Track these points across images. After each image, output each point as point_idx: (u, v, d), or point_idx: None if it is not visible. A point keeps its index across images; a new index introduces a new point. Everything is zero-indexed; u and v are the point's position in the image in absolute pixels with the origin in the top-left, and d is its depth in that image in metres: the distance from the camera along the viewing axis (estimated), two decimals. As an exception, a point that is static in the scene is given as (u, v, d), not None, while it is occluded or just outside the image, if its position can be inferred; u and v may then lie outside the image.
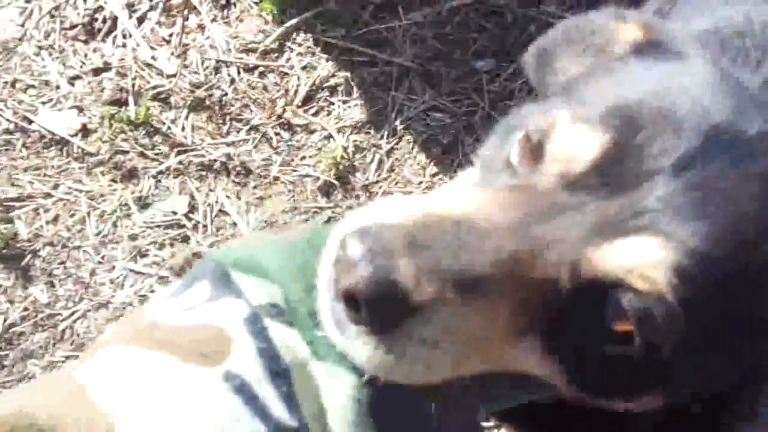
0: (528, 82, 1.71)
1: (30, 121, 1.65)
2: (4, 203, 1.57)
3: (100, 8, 1.78)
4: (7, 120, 1.65)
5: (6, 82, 1.70)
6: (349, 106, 1.70)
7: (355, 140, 1.67)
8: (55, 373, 0.58)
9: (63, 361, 1.47)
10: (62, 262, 1.54)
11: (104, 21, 1.77)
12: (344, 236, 0.52)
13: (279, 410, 0.51)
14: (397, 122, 1.69)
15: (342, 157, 1.63)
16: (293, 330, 0.54)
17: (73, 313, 1.49)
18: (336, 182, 1.63)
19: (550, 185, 0.56)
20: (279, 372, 0.52)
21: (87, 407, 0.47)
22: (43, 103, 1.68)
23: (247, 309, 0.55)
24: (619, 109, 0.58)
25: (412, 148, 1.68)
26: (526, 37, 1.72)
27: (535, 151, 0.59)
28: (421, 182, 1.66)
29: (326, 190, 1.63)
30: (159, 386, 0.50)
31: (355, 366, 0.52)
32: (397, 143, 1.68)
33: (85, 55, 1.73)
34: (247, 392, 0.51)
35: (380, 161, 1.66)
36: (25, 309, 1.49)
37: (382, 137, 1.67)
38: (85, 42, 1.75)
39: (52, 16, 1.78)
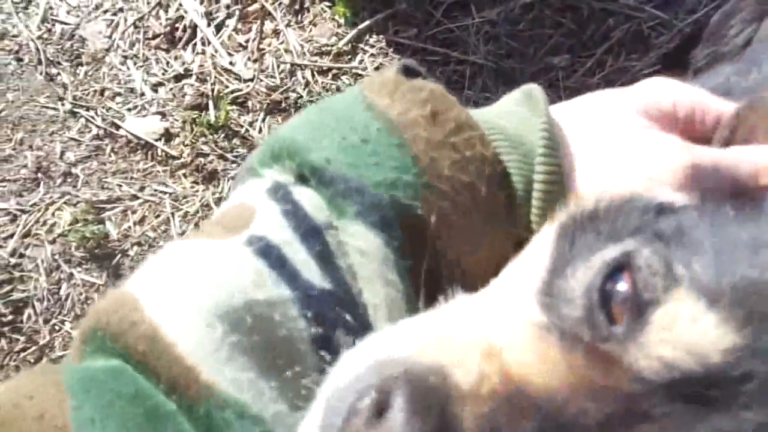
0: (606, 77, 1.63)
1: (118, 127, 1.70)
2: (96, 206, 1.62)
3: (181, 17, 1.82)
4: (98, 126, 1.71)
5: (95, 91, 1.76)
6: (422, 106, 1.67)
7: (429, 139, 1.64)
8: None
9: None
10: (149, 261, 1.57)
11: (184, 30, 1.80)
12: (365, 388, 0.36)
13: (311, 273, 0.44)
14: (471, 121, 1.64)
15: (415, 157, 1.60)
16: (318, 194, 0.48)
17: (159, 310, 1.52)
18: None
19: (651, 373, 0.37)
20: (309, 232, 0.46)
21: (118, 295, 0.45)
22: (129, 109, 1.73)
23: (270, 182, 0.49)
24: (757, 293, 0.38)
25: (486, 147, 1.63)
26: (604, 31, 1.64)
27: (637, 306, 0.39)
28: (495, 181, 1.61)
29: (400, 189, 1.61)
30: (181, 264, 0.46)
31: (383, 223, 0.45)
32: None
33: (167, 63, 1.77)
34: (273, 255, 0.44)
35: (454, 160, 1.62)
36: (116, 306, 1.53)
37: (455, 136, 1.63)
38: (167, 50, 1.79)
39: (136, 27, 1.84)
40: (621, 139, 0.51)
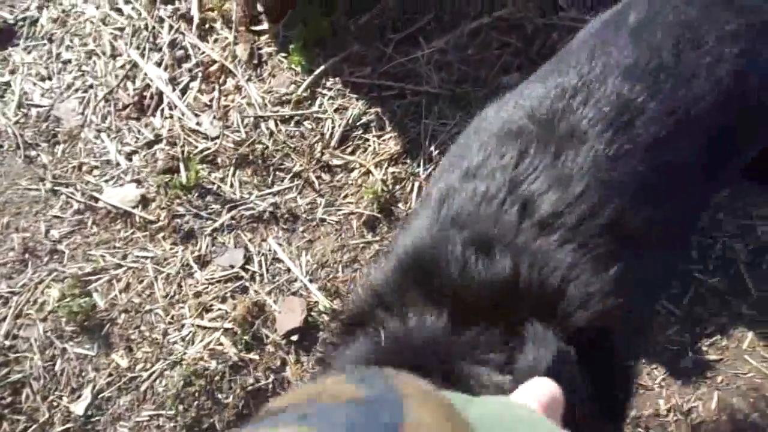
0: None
1: (96, 200, 1.73)
2: (82, 279, 1.65)
3: (147, 86, 1.86)
4: (78, 201, 1.74)
5: (74, 167, 1.80)
6: (384, 140, 1.69)
7: (393, 172, 1.65)
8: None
9: (148, 420, 1.51)
10: (137, 327, 1.59)
11: (152, 97, 1.85)
12: None
13: None
14: (432, 148, 1.66)
15: (382, 191, 1.61)
16: None
17: (151, 374, 1.53)
18: (380, 215, 1.61)
19: None
20: None
21: None
22: (107, 181, 1.76)
23: None
24: None
25: (451, 172, 1.64)
26: (549, 45, 1.66)
27: None
28: (463, 204, 1.61)
29: (371, 224, 1.62)
30: None
31: None
32: (434, 169, 1.65)
33: (139, 131, 1.81)
34: None
35: (420, 189, 1.63)
36: (110, 375, 1.55)
37: (418, 165, 1.65)
38: (137, 119, 1.84)
39: (107, 101, 1.89)
40: None
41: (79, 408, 1.51)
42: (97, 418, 1.51)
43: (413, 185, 1.63)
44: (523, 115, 0.86)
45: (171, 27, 1.90)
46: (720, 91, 0.84)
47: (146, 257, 1.65)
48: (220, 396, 1.48)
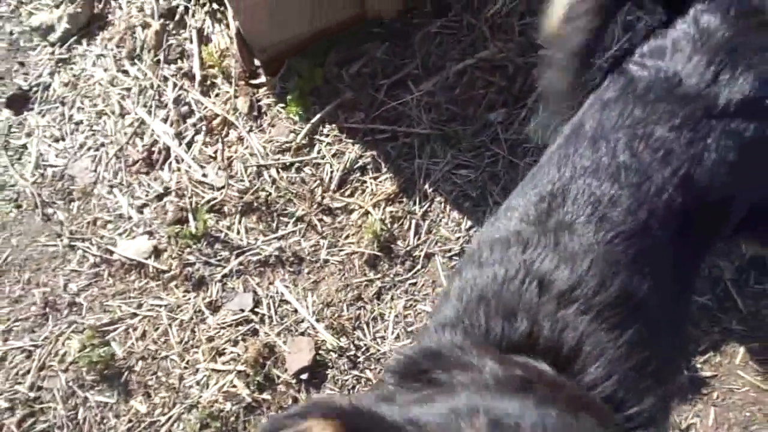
0: (541, 122, 1.72)
1: (111, 252, 1.82)
2: (100, 329, 1.72)
3: (155, 141, 1.96)
4: (94, 255, 1.83)
5: (89, 222, 1.89)
6: (380, 181, 1.77)
7: (391, 211, 1.72)
8: None
9: (168, 463, 1.57)
10: (154, 373, 1.66)
11: (159, 152, 1.94)
12: None
13: None
14: (426, 186, 1.73)
15: (381, 230, 1.69)
16: None
17: (169, 419, 1.59)
18: (380, 254, 1.68)
19: None
20: None
21: None
22: (120, 234, 1.85)
23: None
24: None
25: (445, 208, 1.71)
26: (530, 82, 1.74)
27: None
28: (459, 237, 1.68)
29: (372, 262, 1.68)
30: None
31: None
32: (430, 206, 1.72)
33: (148, 185, 1.90)
34: None
35: (417, 226, 1.70)
36: (129, 420, 1.61)
37: (414, 204, 1.72)
38: (147, 173, 1.93)
39: (118, 157, 1.98)
40: None
41: (102, 455, 1.57)
42: (119, 463, 1.57)
43: (411, 223, 1.70)
44: (517, 221, 0.93)
45: (175, 85, 2.00)
46: (678, 181, 0.91)
47: (160, 305, 1.72)
48: (235, 436, 1.54)
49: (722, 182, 0.94)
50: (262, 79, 1.93)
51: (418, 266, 1.66)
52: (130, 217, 1.87)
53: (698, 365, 1.41)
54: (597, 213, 0.90)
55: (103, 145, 2.01)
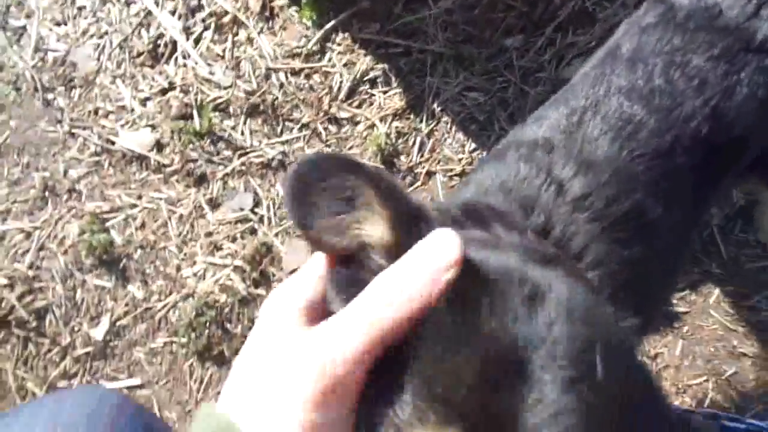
0: (558, 53, 1.71)
1: (113, 143, 1.82)
2: (99, 216, 1.74)
3: (161, 35, 1.92)
4: (95, 144, 1.82)
5: (90, 111, 1.87)
6: (389, 96, 1.77)
7: (397, 126, 1.73)
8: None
9: (162, 347, 1.64)
10: (152, 262, 1.70)
11: (166, 46, 1.90)
12: None
13: None
14: (435, 105, 1.73)
15: (386, 144, 1.70)
16: None
17: (165, 305, 1.65)
18: (382, 166, 1.71)
19: None
20: None
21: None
22: (122, 125, 1.84)
23: None
24: None
25: (451, 128, 1.72)
26: (551, 11, 1.72)
27: None
28: (461, 159, 1.70)
29: (374, 176, 1.71)
30: None
31: None
32: (436, 125, 1.73)
33: (153, 78, 1.88)
34: None
35: (422, 143, 1.71)
36: (126, 305, 1.66)
37: (421, 121, 1.73)
38: (152, 66, 1.90)
39: (122, 48, 1.94)
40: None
41: (98, 333, 1.63)
42: (114, 343, 1.63)
43: (416, 139, 1.72)
44: (546, 128, 0.94)
45: (185, -24, 1.94)
46: (708, 112, 0.92)
47: (160, 198, 1.74)
48: (229, 326, 1.60)
49: (749, 117, 0.96)
50: (277, -21, 1.87)
51: (419, 183, 1.69)
52: (132, 109, 1.85)
53: (674, 300, 1.49)
54: (625, 131, 0.91)
55: (106, 33, 1.95)
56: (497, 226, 0.69)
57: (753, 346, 1.42)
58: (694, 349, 1.46)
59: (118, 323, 1.64)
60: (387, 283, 0.44)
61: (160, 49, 1.90)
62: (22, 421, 0.66)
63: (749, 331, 1.43)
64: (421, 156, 1.70)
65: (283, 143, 1.75)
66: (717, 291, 1.49)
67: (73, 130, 1.84)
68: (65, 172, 1.80)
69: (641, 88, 0.94)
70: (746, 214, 1.54)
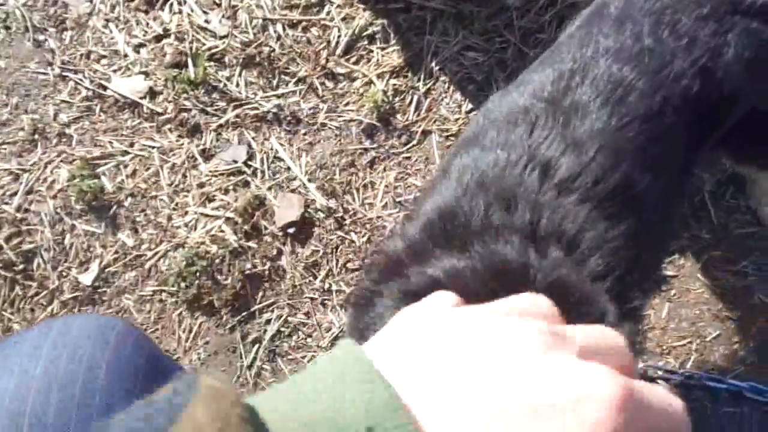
0: (558, 14, 1.70)
1: (105, 88, 1.78)
2: (90, 162, 1.72)
3: (156, -20, 1.87)
4: (86, 88, 1.79)
5: (82, 55, 1.83)
6: (387, 53, 1.74)
7: (394, 84, 1.72)
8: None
9: (152, 295, 1.63)
10: (143, 210, 1.68)
11: (161, -9, 1.86)
12: None
13: None
14: (433, 64, 1.72)
15: (383, 101, 1.68)
16: None
17: (155, 254, 1.64)
18: (378, 124, 1.69)
19: None
20: None
21: None
22: (115, 71, 1.80)
23: None
24: None
25: (448, 88, 1.71)
26: (555, -29, 1.70)
27: None
28: (458, 119, 1.69)
29: (369, 132, 1.70)
30: None
31: None
32: (433, 84, 1.71)
33: (147, 24, 1.84)
34: None
35: (418, 102, 1.70)
36: (116, 252, 1.65)
37: (419, 79, 1.71)
38: (146, 12, 1.85)
39: (116, -9, 1.89)
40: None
41: (86, 279, 1.62)
42: (103, 289, 1.62)
43: (413, 98, 1.70)
44: (528, 96, 0.91)
45: None
46: (697, 70, 0.91)
47: (153, 147, 1.72)
48: (219, 277, 1.60)
49: (736, 77, 0.96)
50: (277, -73, 1.83)
51: (414, 141, 1.68)
52: (126, 55, 1.81)
53: (663, 264, 1.51)
54: (615, 95, 0.90)
55: (100, -25, 1.90)
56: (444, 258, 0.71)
57: (737, 310, 1.45)
58: (680, 311, 1.48)
59: (107, 270, 1.63)
60: None
61: (155, -5, 1.86)
62: (30, 341, 0.66)
63: (734, 295, 1.46)
64: (418, 115, 1.68)
65: (278, 96, 1.73)
66: (705, 256, 1.51)
67: (64, 73, 1.80)
68: (55, 116, 1.77)
69: (630, 47, 0.93)
70: (737, 181, 1.55)
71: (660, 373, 1.39)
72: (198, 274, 1.60)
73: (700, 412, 1.37)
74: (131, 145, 1.73)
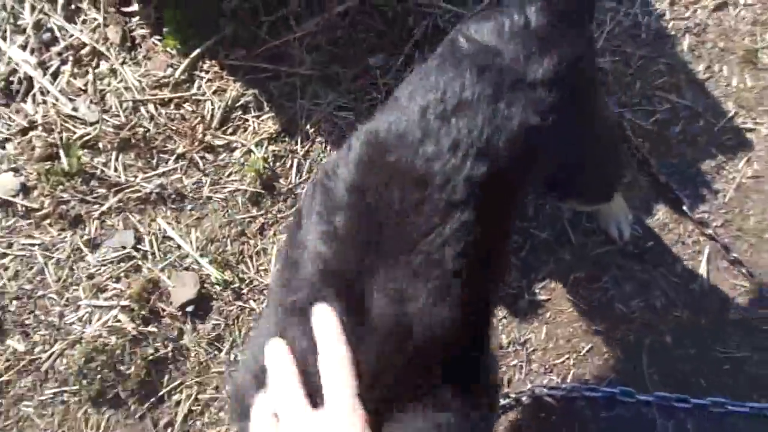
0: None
1: (-28, 189, 1.72)
2: (-34, 269, 1.65)
3: (14, 71, 1.82)
4: (-49, 192, 1.72)
5: (-58, 156, 1.76)
6: (263, 120, 1.80)
7: (273, 150, 1.78)
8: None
9: (53, 397, 1.60)
10: (31, 312, 1.64)
11: (20, 82, 1.81)
12: None
13: None
14: (308, 126, 1.79)
15: (264, 168, 1.74)
16: None
17: (51, 355, 1.61)
18: (263, 191, 1.75)
19: None
20: None
21: None
22: (-19, 170, 1.74)
23: None
24: None
25: (326, 148, 1.79)
26: (407, 29, 1.82)
27: None
28: (338, 178, 1.78)
29: (255, 199, 1.75)
30: None
31: None
32: (311, 145, 1.79)
33: (9, 118, 1.79)
34: None
35: (299, 164, 1.77)
36: (7, 360, 1.60)
37: (296, 143, 1.78)
38: (6, 105, 1.80)
39: (-29, 85, 1.82)
40: None
41: (-21, 394, 1.56)
42: (-1, 401, 1.57)
43: (293, 161, 1.77)
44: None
45: (33, 7, 1.85)
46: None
47: (33, 244, 1.68)
48: (122, 368, 1.59)
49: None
50: (135, 7, 1.84)
51: (300, 203, 1.75)
52: (-9, 152, 1.76)
53: (537, 290, 1.67)
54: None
55: (-49, 70, 1.83)
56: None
57: (603, 323, 1.63)
58: (557, 331, 1.65)
59: (0, 380, 1.58)
60: None
61: (14, 86, 1.81)
62: None
63: (600, 309, 1.64)
64: (300, 177, 1.76)
65: (159, 176, 1.74)
66: (571, 277, 1.69)
67: (-76, 180, 1.71)
68: None
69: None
70: (591, 205, 1.74)
71: (546, 390, 1.54)
72: (99, 368, 1.58)
73: (583, 420, 1.53)
74: (9, 246, 1.68)
